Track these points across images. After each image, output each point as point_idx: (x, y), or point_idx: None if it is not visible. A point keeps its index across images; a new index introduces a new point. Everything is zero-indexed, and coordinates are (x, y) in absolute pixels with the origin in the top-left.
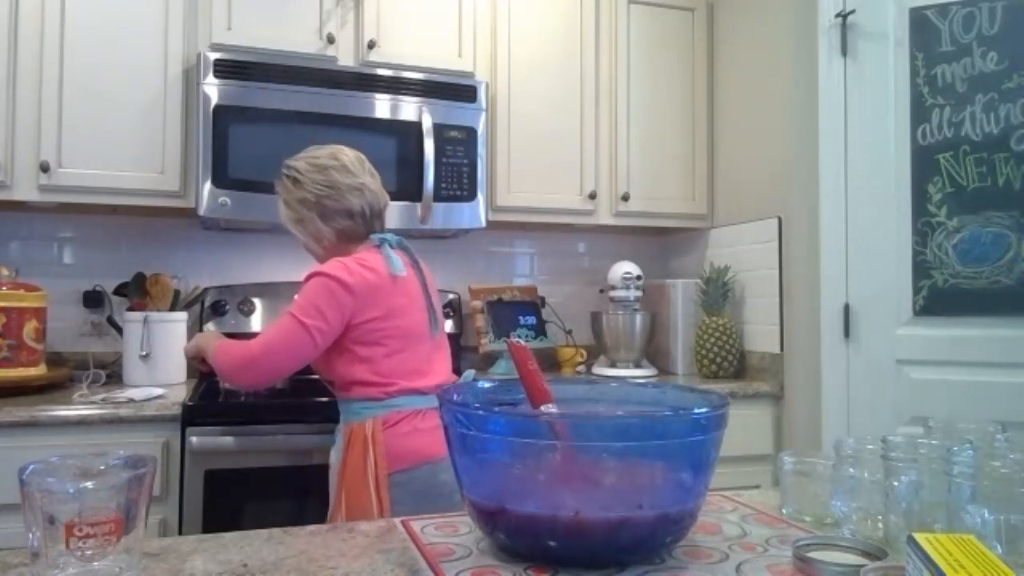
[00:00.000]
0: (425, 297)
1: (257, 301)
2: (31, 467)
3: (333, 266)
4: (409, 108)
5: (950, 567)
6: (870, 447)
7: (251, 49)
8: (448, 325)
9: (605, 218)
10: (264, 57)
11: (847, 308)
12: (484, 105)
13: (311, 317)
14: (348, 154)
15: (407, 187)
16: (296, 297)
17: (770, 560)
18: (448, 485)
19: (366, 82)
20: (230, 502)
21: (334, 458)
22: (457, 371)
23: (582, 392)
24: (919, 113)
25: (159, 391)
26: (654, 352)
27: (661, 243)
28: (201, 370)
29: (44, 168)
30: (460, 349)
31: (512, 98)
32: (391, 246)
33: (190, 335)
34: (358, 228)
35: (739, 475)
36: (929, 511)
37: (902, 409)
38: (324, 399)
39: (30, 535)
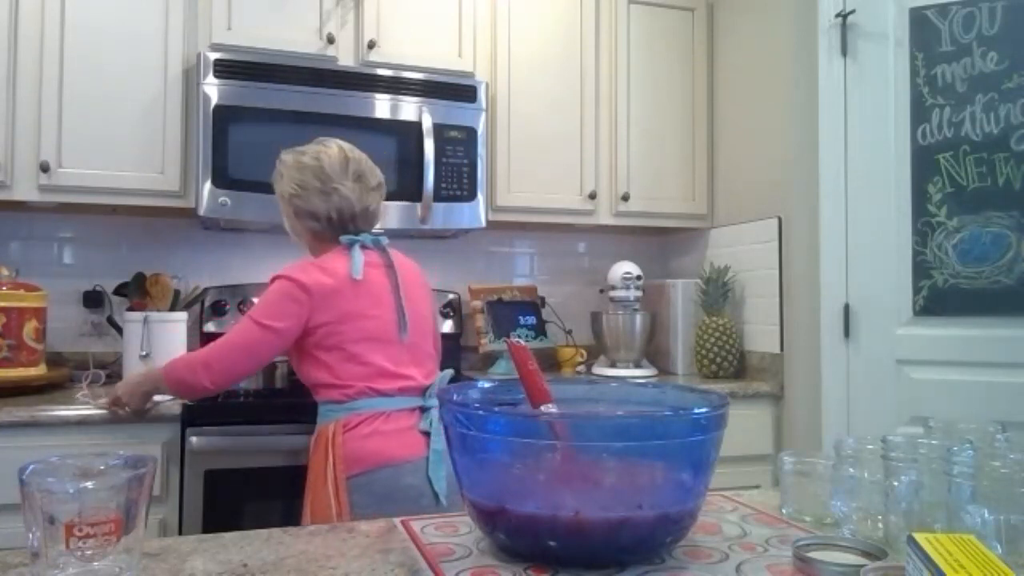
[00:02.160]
0: (395, 299)
1: (257, 301)
2: (31, 467)
3: (292, 269)
4: (409, 108)
5: (950, 567)
6: (870, 447)
7: (251, 49)
8: (448, 325)
9: (605, 218)
10: (264, 57)
11: (847, 308)
12: (484, 105)
13: (269, 319)
14: (331, 155)
15: (407, 187)
16: (257, 300)
17: (770, 560)
18: (414, 489)
19: (366, 82)
20: (230, 502)
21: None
22: (458, 373)
23: (582, 392)
24: (919, 113)
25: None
26: (654, 352)
27: (661, 243)
28: (140, 411)
29: (44, 168)
30: (460, 349)
31: (512, 98)
32: (364, 246)
33: (190, 335)
34: (325, 231)
35: (739, 475)
36: (929, 511)
37: (902, 409)
38: None
39: (30, 535)
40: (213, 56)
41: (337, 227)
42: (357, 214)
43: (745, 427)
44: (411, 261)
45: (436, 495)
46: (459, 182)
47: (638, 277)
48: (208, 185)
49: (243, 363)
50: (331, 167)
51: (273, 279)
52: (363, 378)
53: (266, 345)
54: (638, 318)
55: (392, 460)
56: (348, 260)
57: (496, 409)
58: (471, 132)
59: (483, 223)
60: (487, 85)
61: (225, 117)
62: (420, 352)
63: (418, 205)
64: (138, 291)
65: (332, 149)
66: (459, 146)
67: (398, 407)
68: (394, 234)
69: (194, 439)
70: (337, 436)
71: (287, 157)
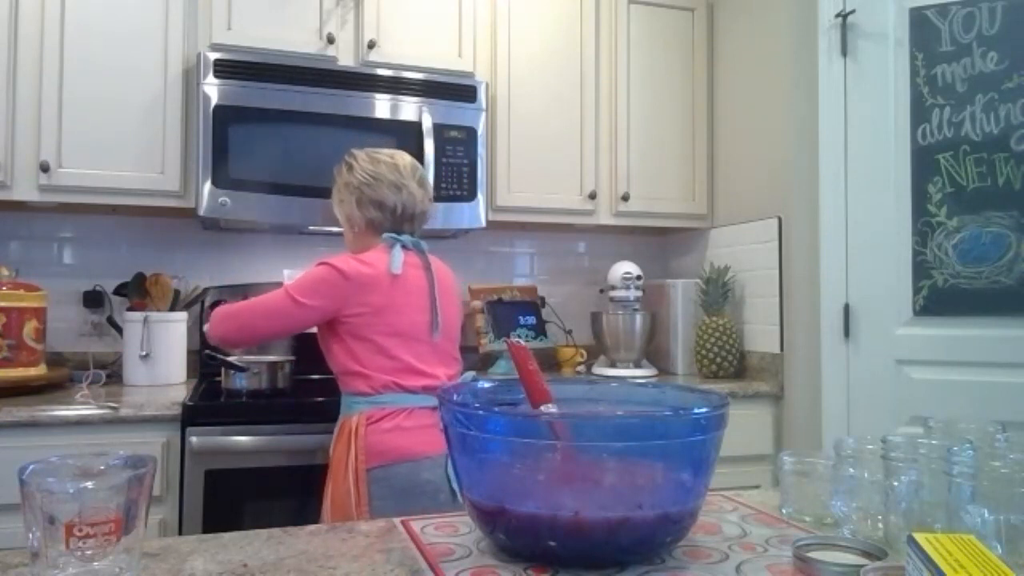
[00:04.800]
0: (430, 300)
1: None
2: (31, 467)
3: (335, 258)
4: (409, 108)
5: (950, 567)
6: (870, 447)
7: (251, 49)
8: None
9: (605, 218)
10: (264, 57)
11: (847, 308)
12: (484, 105)
13: (299, 294)
14: (405, 159)
15: None
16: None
17: (770, 560)
18: (431, 484)
19: (366, 82)
20: (230, 502)
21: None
22: None
23: (582, 392)
24: (919, 113)
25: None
26: (654, 352)
27: (661, 243)
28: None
29: (44, 168)
30: (460, 349)
31: (512, 98)
32: (404, 246)
33: (190, 335)
34: (386, 222)
35: (739, 475)
36: (929, 511)
37: (902, 409)
38: (324, 399)
39: (30, 535)
40: (213, 56)
41: (399, 220)
42: (416, 214)
43: (745, 427)
44: (447, 267)
45: (453, 492)
46: (459, 182)
47: (638, 277)
48: (208, 185)
49: (262, 325)
50: (403, 167)
51: (317, 264)
52: (389, 372)
53: (289, 315)
54: (638, 318)
55: (411, 455)
56: (388, 257)
57: (496, 409)
58: (471, 132)
59: (483, 223)
60: (487, 85)
61: (225, 117)
62: (446, 354)
63: None
64: (138, 291)
65: (403, 154)
66: (459, 146)
67: (420, 404)
68: (413, 237)
69: (194, 439)
70: (360, 428)
71: (358, 153)
